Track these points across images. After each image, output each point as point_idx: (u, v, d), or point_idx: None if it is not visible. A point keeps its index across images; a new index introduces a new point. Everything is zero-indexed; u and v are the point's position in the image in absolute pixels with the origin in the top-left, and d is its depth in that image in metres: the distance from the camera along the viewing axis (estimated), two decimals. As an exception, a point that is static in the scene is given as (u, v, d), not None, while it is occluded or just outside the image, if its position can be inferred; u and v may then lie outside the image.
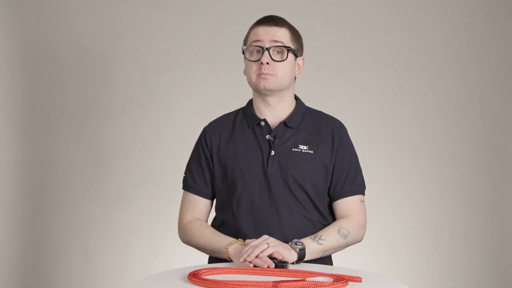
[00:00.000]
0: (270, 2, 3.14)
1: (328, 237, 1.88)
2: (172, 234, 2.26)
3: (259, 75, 1.92)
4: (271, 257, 1.72)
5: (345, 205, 1.97)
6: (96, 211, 3.21)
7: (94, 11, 3.24)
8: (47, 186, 3.23)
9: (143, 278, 1.61)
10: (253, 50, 1.95)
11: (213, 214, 2.07)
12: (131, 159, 3.24)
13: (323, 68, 3.24)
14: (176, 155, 2.92)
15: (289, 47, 1.93)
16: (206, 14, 3.27)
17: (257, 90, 1.96)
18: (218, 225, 2.01)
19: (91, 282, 3.21)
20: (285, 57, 1.93)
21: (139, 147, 3.25)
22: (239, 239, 1.87)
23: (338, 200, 1.97)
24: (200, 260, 2.10)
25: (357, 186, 1.99)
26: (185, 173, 2.06)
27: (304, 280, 1.51)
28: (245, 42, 1.99)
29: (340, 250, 1.95)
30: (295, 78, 2.02)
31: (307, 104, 2.06)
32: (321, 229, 1.92)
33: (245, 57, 1.97)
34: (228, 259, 1.84)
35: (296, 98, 2.05)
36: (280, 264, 1.70)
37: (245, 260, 1.71)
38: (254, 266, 1.70)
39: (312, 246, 1.83)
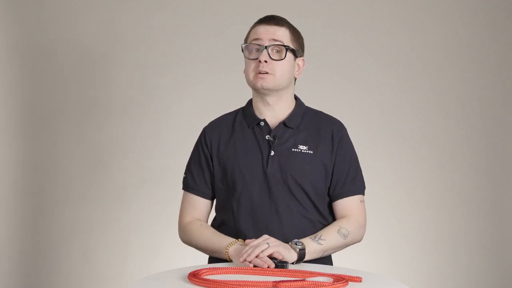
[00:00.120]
0: (270, 2, 3.14)
1: (328, 237, 1.88)
2: (172, 234, 2.26)
3: (257, 73, 1.92)
4: (271, 257, 1.72)
5: (345, 205, 1.97)
6: (96, 211, 3.21)
7: (94, 11, 3.24)
8: (47, 186, 3.23)
9: (143, 278, 1.61)
10: (252, 48, 1.95)
11: (213, 214, 2.07)
12: (131, 159, 3.24)
13: (323, 68, 3.24)
14: (176, 155, 2.92)
15: (288, 46, 1.93)
16: (206, 14, 3.27)
17: (255, 89, 1.96)
18: (218, 225, 2.01)
19: (91, 282, 3.21)
20: (284, 56, 1.92)
21: (139, 147, 3.25)
22: (239, 240, 1.87)
23: (338, 200, 1.97)
24: (200, 260, 2.10)
25: (357, 186, 1.99)
26: (185, 173, 2.06)
27: (304, 280, 1.51)
28: (246, 40, 1.99)
29: (340, 250, 1.94)
30: (295, 78, 2.02)
31: (307, 104, 2.06)
32: (321, 229, 1.92)
33: (244, 56, 1.97)
34: (228, 260, 1.84)
35: (296, 98, 2.05)
36: (280, 264, 1.70)
37: (245, 260, 1.71)
38: (254, 266, 1.70)
39: (312, 246, 1.83)
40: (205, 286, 1.50)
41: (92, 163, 3.23)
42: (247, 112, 2.02)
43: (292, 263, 1.77)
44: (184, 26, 3.27)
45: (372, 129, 3.30)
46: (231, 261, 1.83)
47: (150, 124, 3.25)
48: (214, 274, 1.61)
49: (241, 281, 1.50)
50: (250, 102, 2.04)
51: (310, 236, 1.87)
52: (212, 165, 2.00)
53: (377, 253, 3.23)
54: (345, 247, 1.95)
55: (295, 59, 1.97)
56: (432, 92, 3.35)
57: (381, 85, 3.33)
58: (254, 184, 1.92)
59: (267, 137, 1.96)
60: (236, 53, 2.19)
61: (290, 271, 1.65)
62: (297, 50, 1.97)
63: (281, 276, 1.60)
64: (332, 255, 1.99)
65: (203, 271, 1.60)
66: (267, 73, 1.91)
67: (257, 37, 1.94)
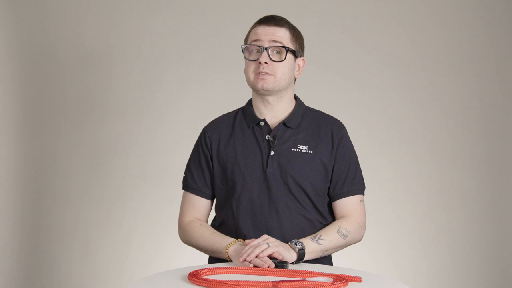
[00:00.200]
0: (270, 2, 3.14)
1: (328, 237, 1.88)
2: (172, 234, 2.27)
3: (257, 74, 1.92)
4: (271, 257, 1.72)
5: (345, 205, 1.97)
6: (96, 211, 3.21)
7: (95, 11, 3.24)
8: (47, 186, 3.23)
9: (143, 278, 1.61)
10: (252, 50, 1.95)
11: (213, 214, 2.07)
12: (131, 159, 3.24)
13: (323, 68, 3.24)
14: (176, 155, 2.93)
15: (288, 47, 1.93)
16: (206, 14, 3.27)
17: (255, 89, 1.96)
18: (218, 225, 2.01)
19: (91, 282, 3.21)
20: (284, 58, 1.92)
21: (139, 147, 3.25)
22: (239, 240, 1.87)
23: (338, 200, 1.97)
24: (200, 260, 2.10)
25: (356, 186, 1.99)
26: (185, 173, 2.06)
27: (304, 280, 1.51)
28: (246, 41, 1.99)
29: (339, 250, 1.95)
30: (295, 78, 2.02)
31: (307, 104, 2.06)
32: (320, 229, 1.93)
33: (244, 56, 1.97)
34: (228, 260, 1.84)
35: (295, 98, 2.05)
36: (280, 264, 1.70)
37: (245, 260, 1.71)
38: (254, 266, 1.70)
39: (312, 246, 1.83)
40: (205, 286, 1.50)
41: (92, 163, 3.23)
42: (247, 112, 2.02)
43: (292, 263, 1.77)
44: (184, 26, 3.27)
45: (372, 129, 3.30)
46: (231, 261, 1.83)
47: (150, 124, 3.25)
48: (214, 274, 1.61)
49: (241, 281, 1.50)
50: (250, 102, 2.04)
51: (310, 236, 1.87)
52: (212, 165, 2.00)
53: (377, 253, 3.23)
54: (345, 247, 1.95)
55: (295, 60, 1.97)
56: (433, 92, 3.35)
57: (381, 85, 3.33)
58: (254, 184, 1.92)
59: (267, 137, 1.96)
60: (236, 53, 2.19)
61: (290, 271, 1.65)
62: (297, 51, 1.97)
63: (281, 276, 1.60)
64: (332, 255, 1.99)
65: (203, 271, 1.60)
66: (267, 74, 1.91)
67: (257, 38, 1.93)
